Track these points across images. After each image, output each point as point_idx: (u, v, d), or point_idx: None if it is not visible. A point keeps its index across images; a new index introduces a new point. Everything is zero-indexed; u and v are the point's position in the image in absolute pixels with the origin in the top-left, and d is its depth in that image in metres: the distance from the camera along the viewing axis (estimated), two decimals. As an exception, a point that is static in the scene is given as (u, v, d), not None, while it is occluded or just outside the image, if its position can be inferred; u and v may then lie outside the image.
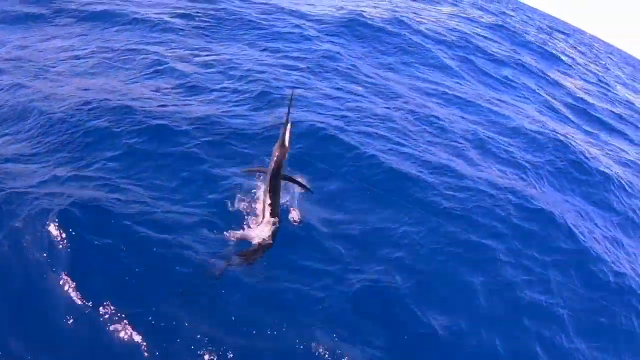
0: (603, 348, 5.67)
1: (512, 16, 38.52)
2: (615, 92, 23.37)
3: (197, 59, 9.59)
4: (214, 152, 6.28)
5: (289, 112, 4.77)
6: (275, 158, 4.75)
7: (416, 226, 6.09)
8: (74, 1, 11.70)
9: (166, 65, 8.57)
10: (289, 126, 4.82)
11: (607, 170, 10.53)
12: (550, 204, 7.88)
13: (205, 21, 12.27)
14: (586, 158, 10.72)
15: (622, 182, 10.59)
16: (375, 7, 18.02)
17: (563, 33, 48.05)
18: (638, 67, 62.49)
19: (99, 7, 11.63)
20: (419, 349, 4.60)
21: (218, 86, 8.40)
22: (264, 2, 15.54)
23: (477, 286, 5.53)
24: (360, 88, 10.08)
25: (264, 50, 11.26)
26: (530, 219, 7.20)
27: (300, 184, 4.99)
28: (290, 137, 4.85)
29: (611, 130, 15.49)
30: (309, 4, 17.11)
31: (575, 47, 38.02)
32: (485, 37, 20.60)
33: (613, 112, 18.01)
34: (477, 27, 22.92)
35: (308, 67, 10.48)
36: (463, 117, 10.60)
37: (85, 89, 7.36)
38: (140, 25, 11.02)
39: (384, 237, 5.77)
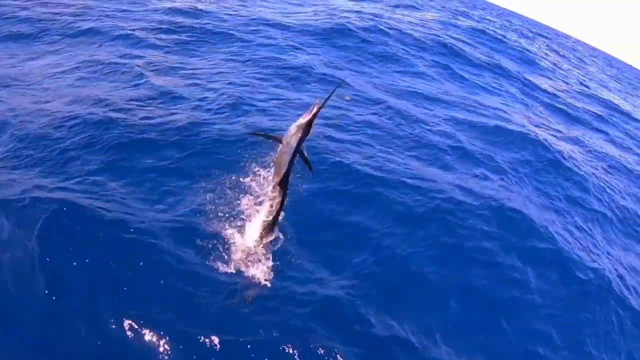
0: (580, 346, 5.80)
1: (494, 22, 39.22)
2: (596, 92, 23.89)
3: (180, 71, 9.83)
4: (195, 160, 6.48)
5: (328, 97, 4.56)
6: (301, 134, 4.58)
7: (393, 229, 6.28)
8: (60, 20, 11.91)
9: (147, 79, 8.79)
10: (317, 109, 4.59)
11: (585, 170, 10.83)
12: (527, 205, 8.10)
13: (190, 35, 12.52)
14: (564, 158, 11.03)
15: (601, 181, 10.92)
16: (357, 15, 18.34)
17: (545, 37, 48.94)
18: (623, 69, 63.81)
19: (85, 25, 11.86)
20: (392, 354, 4.68)
21: (198, 97, 8.63)
22: (246, 14, 15.84)
23: (453, 289, 5.71)
24: (348, 98, 10.32)
25: (247, 61, 11.53)
26: (507, 220, 7.39)
27: (308, 163, 4.90)
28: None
29: (593, 130, 15.89)
30: (292, 16, 17.41)
31: (557, 51, 38.76)
32: (465, 42, 21.04)
33: (593, 112, 18.43)
34: (458, 33, 23.40)
35: (290, 77, 10.75)
36: (443, 121, 10.89)
37: (69, 103, 7.55)
38: (125, 40, 11.26)
39: (360, 241, 5.93)
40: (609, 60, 69.82)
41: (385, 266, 5.64)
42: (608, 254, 8.03)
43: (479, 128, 11.15)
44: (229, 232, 5.18)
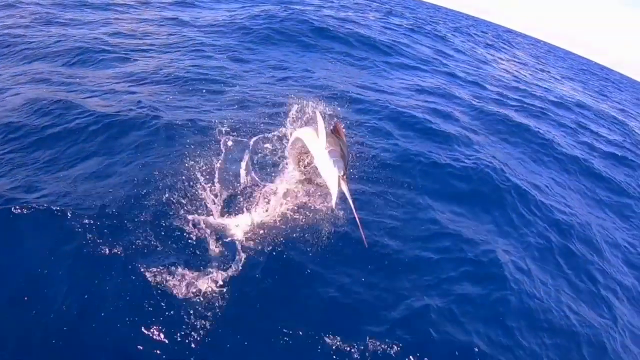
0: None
1: (421, 18, 40.96)
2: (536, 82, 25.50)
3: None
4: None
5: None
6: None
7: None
8: None
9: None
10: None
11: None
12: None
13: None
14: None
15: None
16: (284, 12, 18.91)
17: (482, 31, 51.39)
18: (559, 54, 67.63)
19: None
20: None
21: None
22: (171, 17, 16.19)
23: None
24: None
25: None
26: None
27: None
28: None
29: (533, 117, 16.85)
30: (202, 16, 17.83)
31: (492, 41, 40.91)
32: (401, 42, 22.09)
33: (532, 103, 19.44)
34: (397, 32, 24.56)
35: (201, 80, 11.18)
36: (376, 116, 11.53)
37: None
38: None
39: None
40: (550, 48, 73.80)
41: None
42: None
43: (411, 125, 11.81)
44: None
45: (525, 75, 26.10)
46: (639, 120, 25.60)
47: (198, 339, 4.07)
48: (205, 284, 4.51)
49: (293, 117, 7.10)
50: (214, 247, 5.00)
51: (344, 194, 4.19)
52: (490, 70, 23.36)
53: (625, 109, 28.84)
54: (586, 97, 27.04)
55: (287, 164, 6.24)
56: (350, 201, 4.15)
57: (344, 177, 4.23)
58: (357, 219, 4.10)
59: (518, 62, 33.03)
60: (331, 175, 4.27)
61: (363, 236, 4.28)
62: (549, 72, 34.44)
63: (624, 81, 75.67)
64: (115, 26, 13.61)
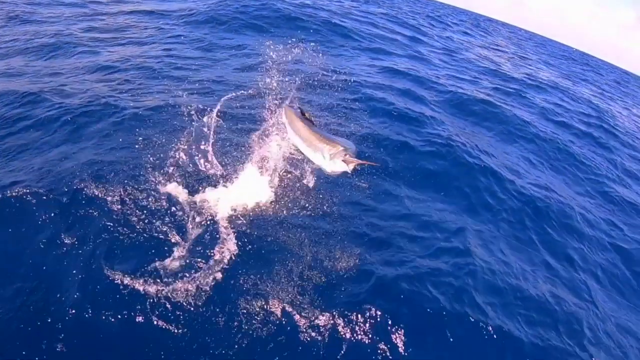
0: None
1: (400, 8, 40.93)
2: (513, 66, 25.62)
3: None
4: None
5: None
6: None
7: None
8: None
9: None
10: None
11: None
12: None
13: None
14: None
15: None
16: (257, 1, 18.67)
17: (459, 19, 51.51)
18: (539, 41, 68.30)
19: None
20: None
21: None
22: (146, 9, 15.88)
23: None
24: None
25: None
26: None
27: None
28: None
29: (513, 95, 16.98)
30: (175, 7, 17.56)
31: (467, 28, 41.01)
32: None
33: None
34: (374, 20, 24.48)
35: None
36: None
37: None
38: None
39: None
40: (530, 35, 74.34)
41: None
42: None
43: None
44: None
45: (502, 61, 26.25)
46: (616, 102, 25.96)
47: (170, 312, 4.12)
48: (176, 263, 4.60)
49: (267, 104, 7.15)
50: (187, 223, 5.08)
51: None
52: (466, 55, 23.44)
53: (605, 92, 29.23)
54: (563, 80, 27.33)
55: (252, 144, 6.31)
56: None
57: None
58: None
59: (495, 49, 33.20)
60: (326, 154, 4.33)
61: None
62: (526, 57, 34.70)
63: (605, 67, 76.93)
64: (90, 22, 13.45)
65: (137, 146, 6.37)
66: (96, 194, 5.24)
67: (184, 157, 6.09)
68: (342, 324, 4.45)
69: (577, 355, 5.02)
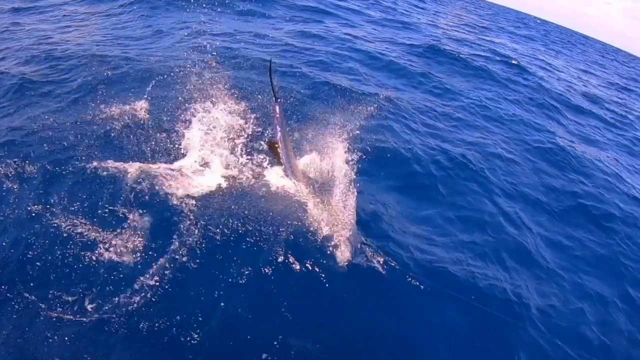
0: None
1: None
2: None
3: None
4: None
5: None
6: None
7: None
8: None
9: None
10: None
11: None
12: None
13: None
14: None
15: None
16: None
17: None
18: (502, 13, 67.84)
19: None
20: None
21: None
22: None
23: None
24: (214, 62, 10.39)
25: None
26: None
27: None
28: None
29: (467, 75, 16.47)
30: None
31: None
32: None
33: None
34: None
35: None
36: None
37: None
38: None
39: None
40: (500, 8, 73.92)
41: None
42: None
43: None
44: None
45: (465, 32, 26.21)
46: (595, 75, 26.11)
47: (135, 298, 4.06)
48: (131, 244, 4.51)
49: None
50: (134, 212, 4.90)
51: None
52: (427, 29, 23.23)
53: (576, 64, 29.37)
54: (526, 48, 27.47)
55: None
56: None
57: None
58: None
59: (459, 21, 32.99)
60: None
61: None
62: (491, 29, 34.59)
63: (584, 40, 77.12)
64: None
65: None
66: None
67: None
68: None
69: None
